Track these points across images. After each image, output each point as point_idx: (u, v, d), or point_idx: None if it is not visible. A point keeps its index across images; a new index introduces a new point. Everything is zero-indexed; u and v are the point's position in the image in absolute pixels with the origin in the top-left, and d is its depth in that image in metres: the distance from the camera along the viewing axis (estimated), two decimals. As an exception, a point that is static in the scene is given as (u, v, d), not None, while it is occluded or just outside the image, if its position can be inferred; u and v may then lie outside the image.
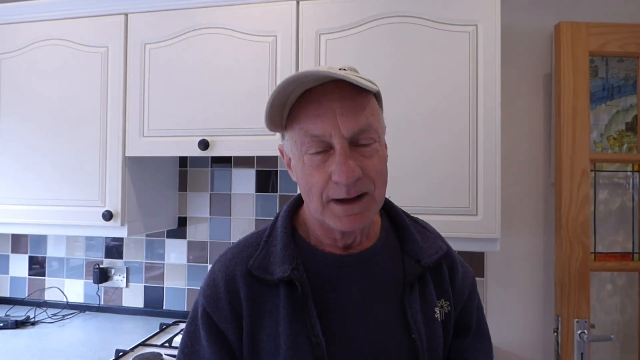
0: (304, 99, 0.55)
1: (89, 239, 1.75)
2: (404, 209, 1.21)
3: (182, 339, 0.63)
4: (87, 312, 1.72)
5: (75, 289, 1.76)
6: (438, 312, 0.62)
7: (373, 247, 0.62)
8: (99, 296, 1.73)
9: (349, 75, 0.52)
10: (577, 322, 1.29)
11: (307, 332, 0.55)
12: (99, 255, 1.74)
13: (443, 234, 1.21)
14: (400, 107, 1.22)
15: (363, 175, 0.54)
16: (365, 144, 0.55)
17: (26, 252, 1.80)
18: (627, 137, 1.45)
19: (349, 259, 0.61)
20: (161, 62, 1.36)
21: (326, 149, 0.55)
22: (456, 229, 1.19)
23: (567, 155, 1.31)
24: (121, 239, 1.72)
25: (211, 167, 1.68)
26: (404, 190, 1.21)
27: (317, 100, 0.54)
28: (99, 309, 1.72)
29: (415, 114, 1.21)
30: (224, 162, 1.66)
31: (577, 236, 1.30)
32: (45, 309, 1.73)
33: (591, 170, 1.40)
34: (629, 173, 1.45)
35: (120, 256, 1.72)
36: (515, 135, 1.48)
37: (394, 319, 0.59)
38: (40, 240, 1.80)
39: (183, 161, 1.70)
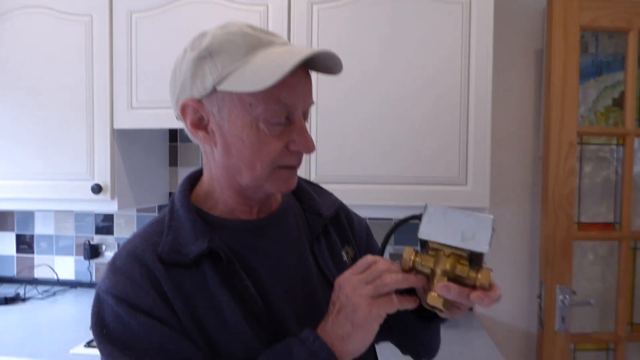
0: None
1: (78, 219, 1.73)
2: (394, 179, 1.24)
3: None
4: (78, 289, 1.71)
5: (65, 266, 1.74)
6: (345, 256, 0.68)
7: (280, 208, 0.65)
8: (90, 272, 1.72)
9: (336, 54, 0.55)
10: (560, 288, 1.35)
11: (242, 296, 0.55)
12: (89, 233, 1.72)
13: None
14: (392, 77, 1.22)
15: None
16: (306, 118, 0.59)
17: (13, 230, 1.77)
18: (613, 113, 1.48)
19: (263, 222, 0.62)
20: (149, 32, 1.32)
21: (285, 119, 0.56)
22: (446, 199, 1.21)
23: (556, 128, 1.34)
24: (111, 220, 1.70)
25: (202, 142, 1.66)
26: (394, 160, 1.23)
27: (294, 71, 0.53)
28: (91, 285, 1.71)
29: (407, 85, 1.22)
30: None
31: (562, 206, 1.34)
32: (35, 286, 1.71)
33: (578, 144, 1.44)
34: (613, 147, 1.49)
35: (110, 232, 1.70)
36: (506, 109, 1.50)
37: (311, 269, 0.63)
38: (28, 219, 1.77)
39: (173, 136, 1.68)
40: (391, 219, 1.50)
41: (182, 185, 0.63)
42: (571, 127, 1.34)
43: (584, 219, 1.50)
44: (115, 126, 1.35)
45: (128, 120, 1.35)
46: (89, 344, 1.21)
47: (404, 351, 0.57)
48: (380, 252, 0.59)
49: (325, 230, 0.68)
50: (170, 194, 1.67)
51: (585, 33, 1.45)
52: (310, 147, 0.56)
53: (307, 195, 0.69)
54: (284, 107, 0.54)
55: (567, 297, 1.34)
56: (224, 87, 0.53)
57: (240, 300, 0.55)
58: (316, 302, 0.61)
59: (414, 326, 0.65)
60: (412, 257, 0.52)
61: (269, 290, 0.58)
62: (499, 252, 1.50)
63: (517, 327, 1.51)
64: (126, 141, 1.43)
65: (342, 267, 0.65)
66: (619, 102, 1.47)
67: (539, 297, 1.39)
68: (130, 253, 0.56)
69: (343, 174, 1.24)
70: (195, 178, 0.65)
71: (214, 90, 0.54)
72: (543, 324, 1.37)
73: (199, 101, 0.56)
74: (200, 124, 0.57)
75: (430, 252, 0.52)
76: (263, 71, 0.51)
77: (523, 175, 1.50)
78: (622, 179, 1.39)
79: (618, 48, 1.46)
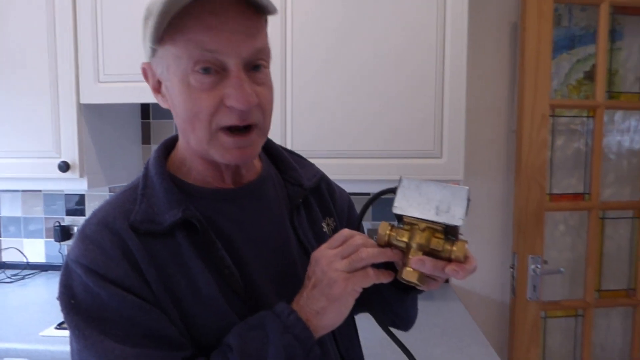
0: (194, 7, 0.48)
1: (48, 200, 1.67)
2: (368, 152, 1.23)
3: (76, 339, 0.50)
4: (49, 272, 1.66)
5: (35, 249, 1.69)
6: (326, 228, 0.66)
7: (259, 178, 0.63)
8: (61, 254, 1.67)
9: None
10: (532, 258, 1.39)
11: (218, 266, 0.53)
12: (60, 214, 1.66)
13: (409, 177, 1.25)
14: (365, 48, 1.20)
15: (256, 104, 0.51)
16: (258, 66, 0.52)
17: (-24, 214, 1.70)
18: (585, 86, 1.51)
19: (239, 192, 0.60)
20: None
21: (217, 70, 0.50)
22: (421, 171, 1.22)
23: (529, 101, 1.35)
24: (83, 201, 1.65)
25: (175, 119, 1.61)
26: (369, 133, 1.22)
27: (213, 11, 0.48)
28: (63, 267, 1.66)
29: (380, 56, 1.20)
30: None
31: (534, 178, 1.37)
32: (3, 270, 1.66)
33: (550, 116, 1.46)
34: (584, 119, 1.52)
35: (82, 213, 1.65)
36: (481, 82, 1.51)
37: (290, 241, 0.61)
38: (-7, 200, 1.70)
39: (145, 112, 1.63)
40: (368, 194, 1.50)
41: (157, 151, 0.60)
42: (544, 100, 1.36)
43: (555, 191, 1.53)
44: (82, 101, 1.30)
45: (95, 95, 1.29)
46: (59, 326, 1.18)
47: (381, 322, 0.57)
48: (356, 227, 0.58)
49: (306, 202, 0.66)
50: (144, 172, 1.63)
51: (559, 6, 1.46)
52: (245, 101, 0.49)
53: (288, 165, 0.67)
54: (208, 54, 0.49)
55: (538, 266, 1.38)
56: (153, 44, 0.51)
57: (216, 271, 0.53)
58: (295, 273, 0.60)
59: (391, 298, 0.65)
60: (388, 232, 0.51)
61: (246, 261, 0.56)
62: (474, 224, 1.53)
63: (491, 296, 1.55)
64: (95, 117, 1.37)
65: (322, 238, 0.64)
66: (590, 75, 1.49)
67: (512, 267, 1.43)
68: (101, 221, 0.53)
69: (318, 148, 1.23)
70: (171, 144, 0.62)
71: (154, 50, 0.52)
72: (515, 292, 1.41)
73: (150, 63, 0.54)
74: (158, 87, 0.55)
75: (405, 227, 0.51)
76: (167, 13, 0.48)
77: (498, 147, 1.52)
78: (591, 150, 1.42)
79: (590, 21, 1.48)
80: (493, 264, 1.54)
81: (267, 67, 0.54)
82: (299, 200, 0.64)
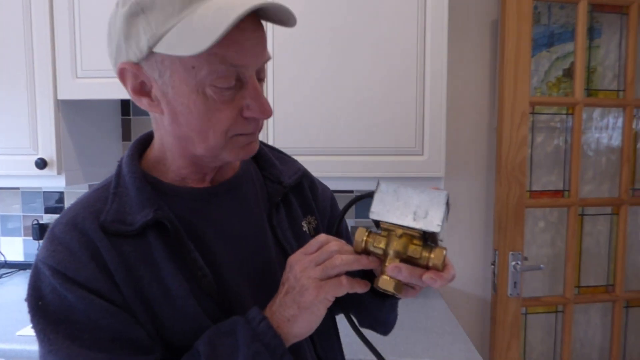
0: None
1: (26, 198, 1.64)
2: (349, 149, 1.23)
3: (41, 343, 0.49)
4: (27, 271, 1.63)
5: (13, 248, 1.66)
6: (306, 227, 0.65)
7: (236, 175, 0.62)
8: (40, 253, 1.64)
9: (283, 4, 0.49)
10: (512, 254, 1.40)
11: (191, 268, 0.52)
12: (38, 212, 1.64)
13: (390, 174, 1.26)
14: (346, 45, 1.20)
15: None
16: (261, 78, 0.53)
17: (-47, 212, 1.67)
18: (564, 83, 1.52)
19: (216, 189, 0.59)
20: (92, -6, 1.24)
21: (235, 83, 0.50)
22: (402, 169, 1.22)
23: (509, 98, 1.36)
24: (62, 199, 1.62)
25: (157, 116, 1.59)
26: (350, 130, 1.22)
27: (237, 26, 0.46)
28: (42, 266, 1.64)
29: (360, 53, 1.20)
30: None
31: (515, 175, 1.38)
32: (-20, 269, 1.63)
33: (530, 114, 1.48)
34: (564, 116, 1.54)
35: (61, 211, 1.62)
36: (462, 80, 1.51)
37: (268, 240, 0.60)
38: (-30, 198, 1.66)
39: (126, 109, 1.61)
40: (350, 191, 1.50)
41: (131, 149, 0.58)
42: (524, 97, 1.37)
43: (535, 187, 1.55)
44: (59, 97, 1.28)
45: (73, 91, 1.27)
46: (36, 324, 1.16)
47: (360, 325, 0.57)
48: (334, 232, 0.57)
49: (286, 199, 0.64)
50: (125, 170, 1.61)
51: (539, 4, 1.47)
52: (266, 112, 0.51)
53: (268, 162, 0.65)
54: (232, 68, 0.48)
55: (519, 263, 1.39)
56: (160, 49, 0.47)
57: (188, 273, 0.52)
58: (272, 274, 0.59)
59: (369, 303, 0.63)
60: (365, 238, 0.50)
61: (221, 261, 0.55)
62: (457, 222, 1.54)
63: (473, 293, 1.56)
64: (73, 113, 1.35)
65: (302, 237, 0.63)
66: (569, 73, 1.51)
67: (493, 263, 1.44)
68: (70, 221, 0.51)
69: (299, 145, 1.23)
70: (145, 142, 0.60)
71: (151, 52, 0.48)
72: (496, 289, 1.42)
73: (137, 64, 0.50)
74: (142, 90, 0.52)
75: (382, 233, 0.50)
76: (202, 29, 0.45)
77: (479, 145, 1.53)
78: (571, 147, 1.44)
79: (569, 19, 1.50)
80: (474, 260, 1.55)
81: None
82: (278, 199, 0.62)
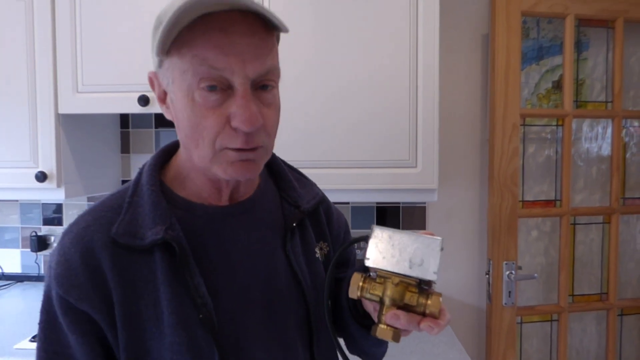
0: (202, 23, 0.46)
1: (24, 209, 1.65)
2: (346, 163, 1.26)
3: (39, 347, 0.52)
4: (25, 282, 1.64)
5: (11, 259, 1.66)
6: (318, 252, 0.64)
7: (254, 196, 0.60)
8: (37, 265, 1.65)
9: (265, 8, 0.46)
10: (506, 264, 1.41)
11: (191, 294, 0.51)
12: (37, 224, 1.65)
13: (385, 186, 1.28)
14: (344, 62, 1.23)
15: (261, 126, 0.50)
16: (266, 86, 0.50)
17: (-48, 225, 1.67)
18: (553, 95, 1.56)
19: (232, 209, 0.57)
20: (93, 10, 1.27)
21: (223, 88, 0.48)
22: (397, 181, 1.24)
23: (500, 110, 1.40)
24: (60, 210, 1.64)
25: (155, 128, 1.62)
26: (346, 144, 1.24)
27: (222, 28, 0.46)
28: (39, 278, 1.64)
29: (356, 70, 1.23)
30: (169, 123, 1.61)
31: (507, 186, 1.40)
32: (-22, 282, 1.63)
33: (521, 125, 1.51)
34: (554, 127, 1.57)
35: (59, 223, 1.64)
36: (454, 93, 1.55)
37: (279, 266, 0.59)
38: (-31, 211, 1.67)
39: (125, 122, 1.63)
40: (346, 203, 1.52)
41: (155, 157, 0.58)
42: (514, 110, 1.40)
43: (528, 197, 1.57)
44: (60, 111, 1.30)
45: (74, 105, 1.30)
46: (34, 339, 1.16)
47: (349, 351, 0.58)
48: (328, 275, 0.56)
49: (302, 224, 0.63)
50: (123, 182, 1.62)
51: (528, 18, 1.51)
52: (250, 122, 0.47)
53: (289, 184, 0.64)
54: (214, 71, 0.46)
55: (513, 272, 1.41)
56: (160, 55, 0.50)
57: (188, 300, 0.51)
58: (281, 300, 0.57)
59: (358, 337, 0.62)
60: (360, 284, 0.50)
61: (224, 286, 0.54)
62: (451, 233, 1.56)
63: (468, 303, 1.57)
64: (73, 127, 1.37)
65: (314, 264, 0.62)
66: (558, 85, 1.55)
67: (487, 273, 1.45)
68: (80, 233, 0.52)
69: (295, 158, 1.25)
70: (171, 151, 0.59)
71: (161, 60, 0.51)
72: (491, 298, 1.44)
73: (156, 73, 0.53)
74: (164, 98, 0.54)
75: (378, 280, 0.50)
76: (164, 27, 0.46)
77: (472, 156, 1.56)
78: (561, 158, 1.47)
79: (557, 33, 1.54)
80: (469, 270, 1.56)
81: (276, 86, 0.52)
82: (294, 224, 0.61)
